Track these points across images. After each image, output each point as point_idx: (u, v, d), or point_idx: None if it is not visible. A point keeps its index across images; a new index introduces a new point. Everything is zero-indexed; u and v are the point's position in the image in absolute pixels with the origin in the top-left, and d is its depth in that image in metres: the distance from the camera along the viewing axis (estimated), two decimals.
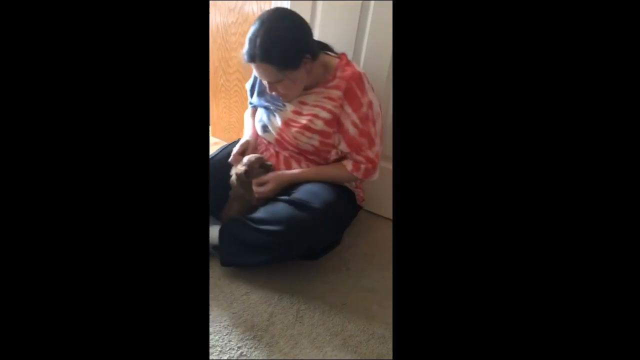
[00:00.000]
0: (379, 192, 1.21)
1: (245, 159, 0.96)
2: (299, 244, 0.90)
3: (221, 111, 2.09)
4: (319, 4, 1.26)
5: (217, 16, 1.87)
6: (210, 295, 0.86)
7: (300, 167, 1.01)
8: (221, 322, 0.82)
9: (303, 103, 0.96)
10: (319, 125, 0.94)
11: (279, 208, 0.90)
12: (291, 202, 0.90)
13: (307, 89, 0.96)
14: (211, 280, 0.92)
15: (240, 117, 1.40)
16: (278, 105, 1.00)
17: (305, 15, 1.29)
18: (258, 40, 0.84)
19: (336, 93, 0.93)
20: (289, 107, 0.98)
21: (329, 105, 0.94)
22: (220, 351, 0.76)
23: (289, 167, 1.01)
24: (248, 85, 1.13)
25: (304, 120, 0.95)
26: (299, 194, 0.92)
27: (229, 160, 1.00)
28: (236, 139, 1.17)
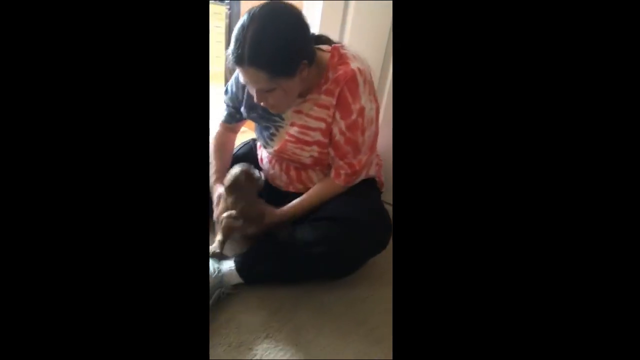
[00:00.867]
0: None
1: (230, 172, 0.88)
2: (348, 264, 0.88)
3: None
4: (351, 4, 1.25)
5: (249, 2, 1.87)
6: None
7: (314, 174, 0.96)
8: (247, 304, 0.83)
9: (299, 112, 0.88)
10: (316, 136, 0.87)
11: (321, 228, 0.83)
12: (334, 220, 0.83)
13: (302, 95, 0.85)
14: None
15: None
16: (276, 121, 0.91)
17: (337, 16, 1.28)
18: (248, 40, 0.70)
19: (329, 100, 0.83)
20: (287, 120, 0.89)
21: (323, 114, 0.85)
22: (247, 331, 0.77)
23: (300, 181, 0.97)
24: (226, 91, 1.00)
25: (300, 135, 0.88)
26: (339, 207, 0.87)
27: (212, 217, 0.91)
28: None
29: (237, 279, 0.85)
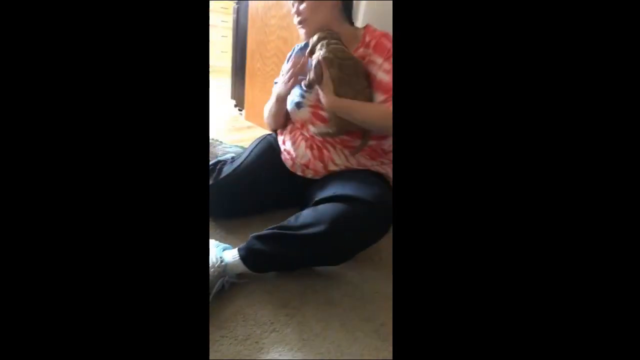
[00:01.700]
0: None
1: (314, 39, 0.94)
2: (347, 246, 0.84)
3: (256, 95, 2.10)
4: (362, 3, 1.24)
5: None
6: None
7: (335, 154, 0.99)
8: (253, 298, 0.82)
9: None
10: None
11: (321, 208, 0.83)
12: (335, 199, 0.83)
13: None
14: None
15: None
16: (309, 91, 1.01)
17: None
18: None
19: (366, 51, 0.95)
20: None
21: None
22: (254, 324, 0.76)
23: (321, 159, 0.99)
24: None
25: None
26: (342, 188, 0.86)
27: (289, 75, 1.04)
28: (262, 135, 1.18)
29: (241, 267, 0.84)
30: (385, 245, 1.04)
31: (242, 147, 1.60)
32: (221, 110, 2.47)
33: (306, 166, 1.02)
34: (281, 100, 1.07)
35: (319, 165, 1.00)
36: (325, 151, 1.00)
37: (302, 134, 1.04)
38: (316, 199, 0.88)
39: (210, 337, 0.72)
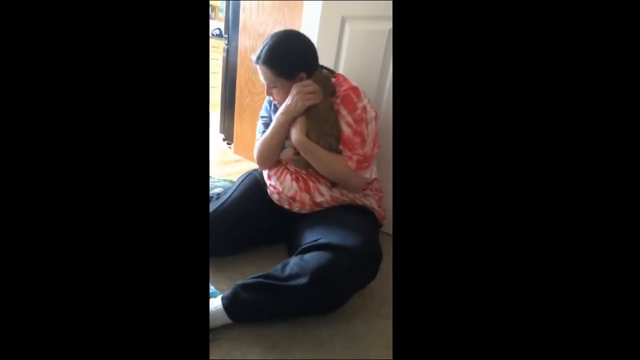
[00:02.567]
0: None
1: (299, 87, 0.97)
2: (332, 296, 0.83)
3: (245, 129, 2.14)
4: (346, 29, 1.31)
5: (246, 40, 1.95)
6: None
7: (321, 185, 1.01)
8: (240, 341, 0.79)
9: None
10: None
11: (307, 257, 0.81)
12: (321, 247, 0.82)
13: None
14: None
15: None
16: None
17: (332, 41, 1.34)
18: (266, 47, 0.97)
19: (333, 100, 1.00)
20: None
21: None
22: None
23: (308, 190, 1.01)
24: (262, 115, 1.19)
25: None
26: (327, 234, 0.86)
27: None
28: (249, 170, 1.21)
29: (223, 319, 0.80)
30: (375, 281, 1.04)
31: (230, 181, 1.61)
32: (210, 144, 2.49)
33: (293, 199, 1.02)
34: (275, 147, 1.07)
35: (306, 197, 1.01)
36: (311, 183, 1.01)
37: (286, 169, 1.06)
38: (303, 243, 0.87)
39: None
